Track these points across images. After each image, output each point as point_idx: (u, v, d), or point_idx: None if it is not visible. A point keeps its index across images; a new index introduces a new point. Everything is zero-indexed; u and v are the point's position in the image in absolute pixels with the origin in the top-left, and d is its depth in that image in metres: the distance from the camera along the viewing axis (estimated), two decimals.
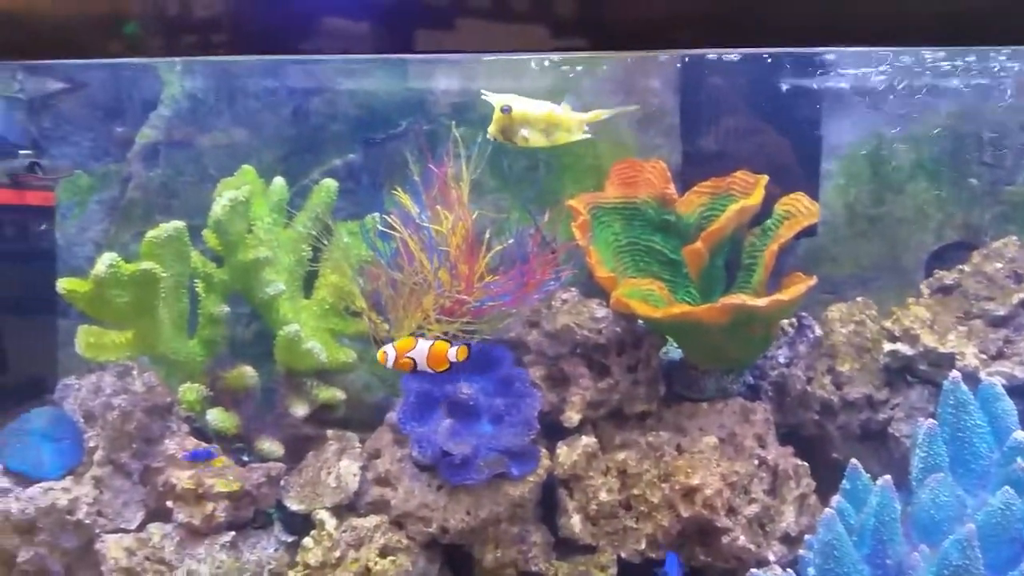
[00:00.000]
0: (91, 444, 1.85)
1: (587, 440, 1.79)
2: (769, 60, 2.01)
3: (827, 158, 2.11)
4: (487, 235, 1.85)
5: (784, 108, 2.06)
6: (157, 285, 1.73)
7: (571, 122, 1.46)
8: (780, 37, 1.42)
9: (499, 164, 2.04)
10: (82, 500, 1.77)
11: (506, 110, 1.40)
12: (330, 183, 1.99)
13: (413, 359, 1.59)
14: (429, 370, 1.60)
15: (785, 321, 1.95)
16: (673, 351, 1.93)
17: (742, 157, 1.99)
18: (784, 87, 2.04)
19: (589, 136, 1.51)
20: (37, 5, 1.31)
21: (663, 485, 1.73)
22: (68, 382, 1.94)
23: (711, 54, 1.97)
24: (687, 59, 2.02)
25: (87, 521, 1.76)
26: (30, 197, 2.00)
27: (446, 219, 1.78)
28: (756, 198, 1.81)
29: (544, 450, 1.79)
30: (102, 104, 2.06)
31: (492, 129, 1.46)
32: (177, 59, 1.88)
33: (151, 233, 1.74)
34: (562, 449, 1.79)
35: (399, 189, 1.81)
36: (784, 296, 1.66)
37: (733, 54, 1.94)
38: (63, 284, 1.69)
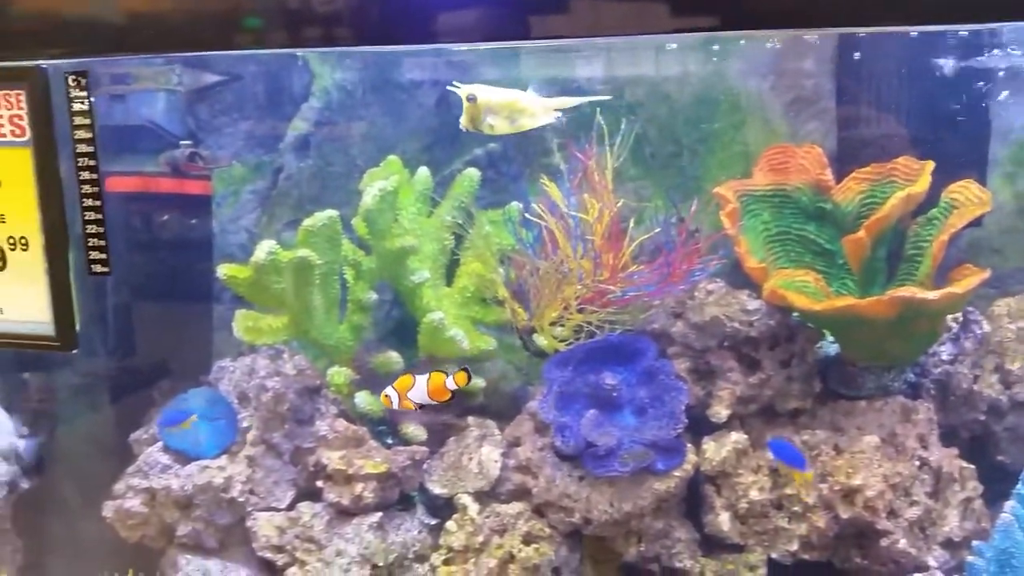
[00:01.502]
0: (245, 424, 1.91)
1: (737, 436, 1.74)
2: (933, 38, 1.89)
3: (995, 143, 1.97)
4: (630, 224, 1.81)
5: (949, 90, 1.93)
6: (312, 272, 1.76)
7: (536, 108, 1.45)
8: (940, 15, 1.31)
9: (641, 151, 2.00)
10: (236, 479, 1.83)
11: (471, 99, 1.40)
12: (472, 172, 1.97)
13: (416, 403, 1.59)
14: (432, 402, 1.58)
15: (950, 316, 1.83)
16: (828, 346, 1.85)
17: (903, 142, 1.88)
18: (949, 67, 1.91)
19: (559, 118, 1.48)
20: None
21: (820, 485, 1.66)
22: (223, 364, 2.01)
23: (862, 33, 1.86)
24: (844, 38, 1.92)
25: (240, 499, 1.82)
26: (190, 186, 2.09)
27: (592, 207, 1.75)
28: (922, 185, 1.70)
29: (690, 445, 1.74)
30: (255, 97, 2.12)
31: (463, 120, 1.45)
32: (307, 50, 1.90)
33: (307, 222, 1.77)
34: (709, 444, 1.74)
35: (545, 177, 1.79)
36: (957, 289, 1.56)
37: (886, 32, 1.84)
38: (224, 270, 1.74)
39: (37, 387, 2.04)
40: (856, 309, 1.60)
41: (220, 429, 1.90)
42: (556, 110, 1.46)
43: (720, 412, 1.74)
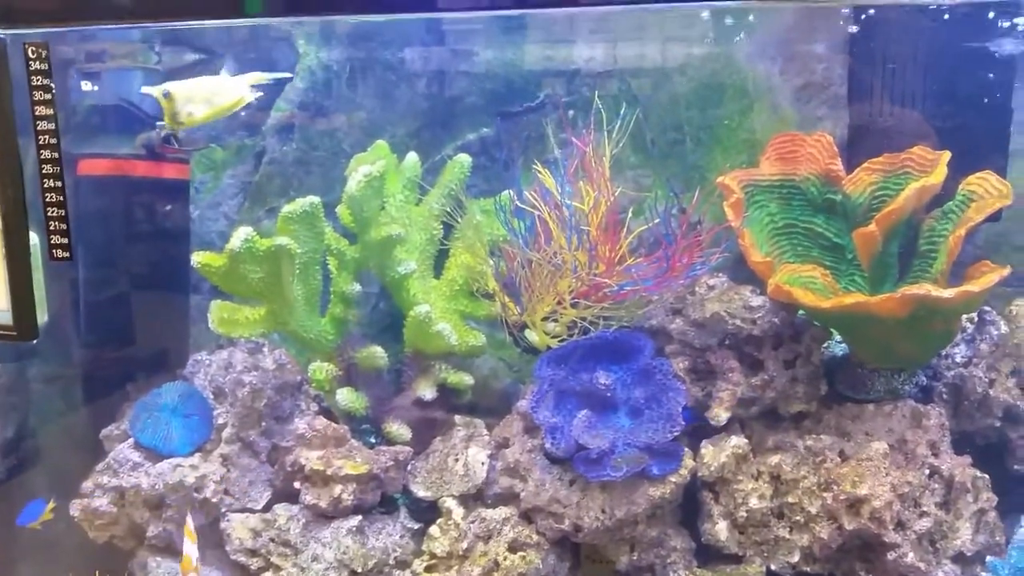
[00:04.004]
0: (220, 421, 1.84)
1: (737, 440, 1.65)
2: (953, 18, 1.78)
3: (1016, 131, 1.86)
4: (628, 215, 1.73)
5: (968, 74, 1.82)
6: (292, 261, 1.69)
7: (229, 86, 1.49)
8: None
9: (641, 138, 1.91)
10: (209, 478, 1.76)
11: (167, 95, 1.42)
12: (464, 158, 1.90)
13: None
14: None
15: (965, 317, 1.73)
16: (835, 346, 1.75)
17: (918, 130, 1.78)
18: (970, 50, 1.81)
19: (259, 96, 1.51)
20: None
21: (823, 494, 1.56)
22: (198, 358, 1.94)
23: (874, 10, 1.77)
24: (858, 21, 1.82)
25: (214, 499, 1.75)
26: (167, 170, 2.00)
27: (588, 196, 1.66)
28: (938, 176, 1.60)
29: (687, 449, 1.66)
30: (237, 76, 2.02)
31: (165, 119, 1.48)
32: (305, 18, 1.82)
33: (286, 208, 1.70)
34: (708, 449, 1.66)
35: (539, 164, 1.70)
36: (974, 287, 1.46)
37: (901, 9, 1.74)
38: (198, 258, 1.66)
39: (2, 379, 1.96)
40: (866, 307, 1.50)
41: (193, 425, 1.83)
42: (251, 85, 1.49)
43: (720, 414, 1.65)
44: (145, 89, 1.42)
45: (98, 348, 2.05)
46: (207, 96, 1.45)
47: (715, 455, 1.64)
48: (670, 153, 1.94)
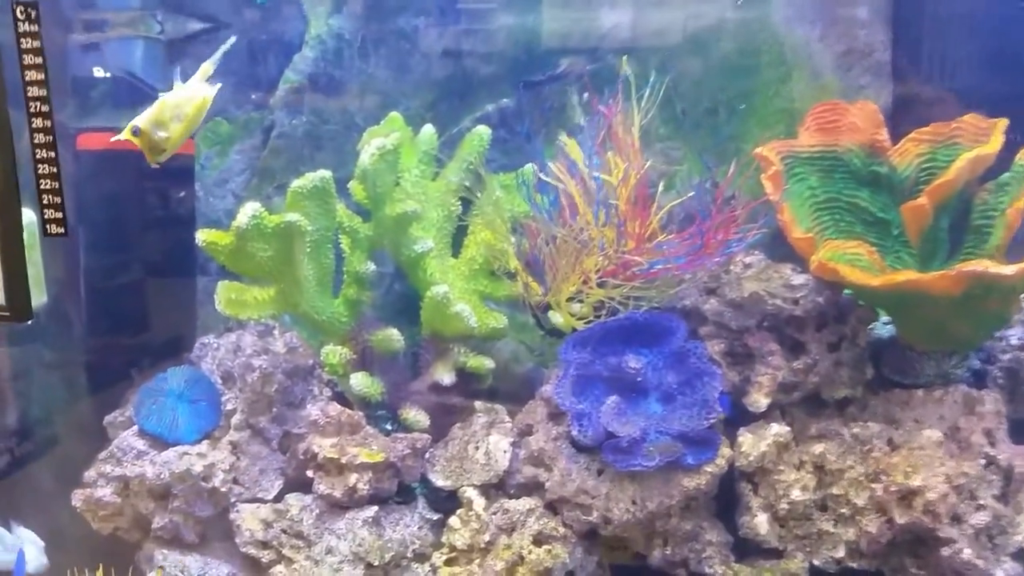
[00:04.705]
0: (229, 407, 1.77)
1: (778, 428, 1.56)
2: None
3: None
4: (659, 189, 1.63)
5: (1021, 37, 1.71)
6: (302, 238, 1.61)
7: (189, 91, 1.38)
8: None
9: (671, 109, 1.81)
10: (218, 466, 1.69)
11: (136, 132, 1.34)
12: (483, 130, 1.82)
13: None
14: None
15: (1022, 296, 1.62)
16: (881, 327, 1.65)
17: (969, 97, 1.67)
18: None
19: (218, 87, 1.41)
20: None
21: (872, 485, 1.46)
22: (206, 341, 1.86)
23: None
24: None
25: (223, 489, 1.68)
26: None
27: (617, 167, 1.55)
28: (993, 146, 1.50)
29: (723, 437, 1.57)
30: (244, 46, 1.93)
31: (148, 157, 1.37)
32: None
33: (296, 183, 1.62)
34: (746, 437, 1.57)
35: (564, 135, 1.60)
36: None
37: None
38: (203, 236, 1.58)
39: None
40: (919, 285, 1.39)
41: (201, 412, 1.75)
42: (207, 80, 1.40)
43: (759, 400, 1.57)
44: (113, 139, 1.36)
45: (100, 331, 1.96)
46: (173, 113, 1.37)
47: (754, 444, 1.56)
48: (702, 124, 1.85)
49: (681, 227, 1.64)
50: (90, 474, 1.71)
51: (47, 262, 1.65)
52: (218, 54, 1.41)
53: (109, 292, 1.97)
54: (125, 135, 1.35)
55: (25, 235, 1.68)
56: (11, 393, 1.90)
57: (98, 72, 1.92)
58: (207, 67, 1.41)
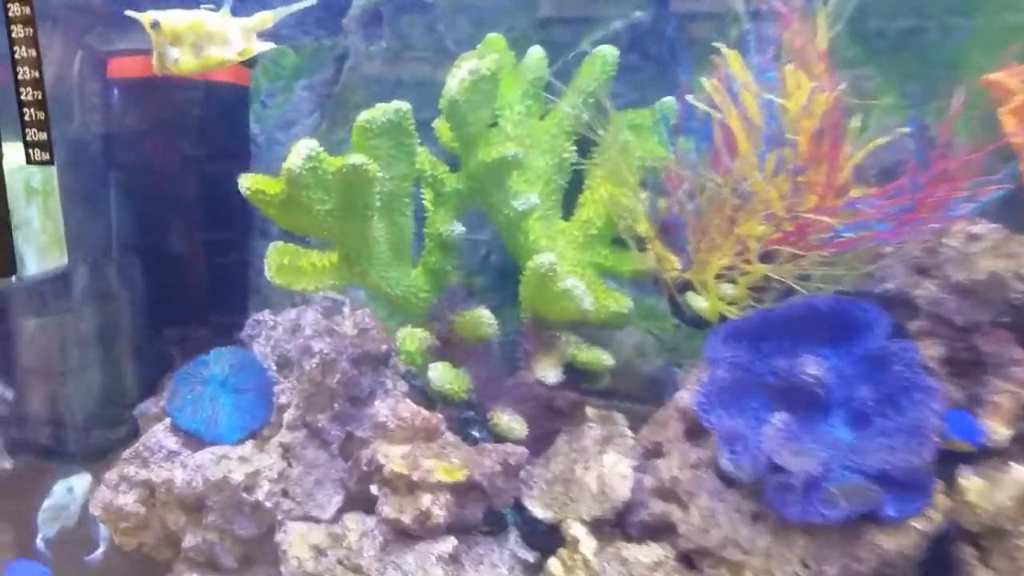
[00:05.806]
0: (282, 400, 1.55)
1: (1021, 471, 1.19)
2: None
3: None
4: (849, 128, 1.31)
5: None
6: (371, 188, 1.34)
7: (227, 32, 1.26)
8: None
9: (863, 25, 1.47)
10: (264, 474, 1.48)
11: (155, 25, 1.22)
12: (607, 51, 1.53)
13: None
14: None
15: None
16: None
17: None
18: None
19: (269, 47, 1.29)
20: None
21: None
22: (260, 318, 1.63)
23: None
24: None
25: (268, 503, 1.45)
26: (218, 73, 1.63)
27: (801, 87, 1.17)
28: None
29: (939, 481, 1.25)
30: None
31: (155, 63, 1.25)
32: None
33: (364, 116, 1.35)
34: (972, 481, 1.24)
35: (723, 48, 1.29)
36: None
37: None
38: (246, 182, 1.32)
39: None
40: None
41: (247, 405, 1.54)
42: (259, 34, 1.28)
43: (998, 430, 1.24)
44: (130, 13, 1.21)
45: (134, 303, 1.72)
46: (195, 40, 1.24)
47: (986, 492, 1.23)
48: (904, 45, 1.49)
49: (883, 181, 1.31)
50: (111, 476, 1.50)
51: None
52: (287, 10, 1.26)
53: (142, 257, 1.74)
54: (144, 20, 1.22)
55: (40, 182, 1.48)
56: (39, 369, 1.67)
57: None
58: (266, 18, 1.28)
